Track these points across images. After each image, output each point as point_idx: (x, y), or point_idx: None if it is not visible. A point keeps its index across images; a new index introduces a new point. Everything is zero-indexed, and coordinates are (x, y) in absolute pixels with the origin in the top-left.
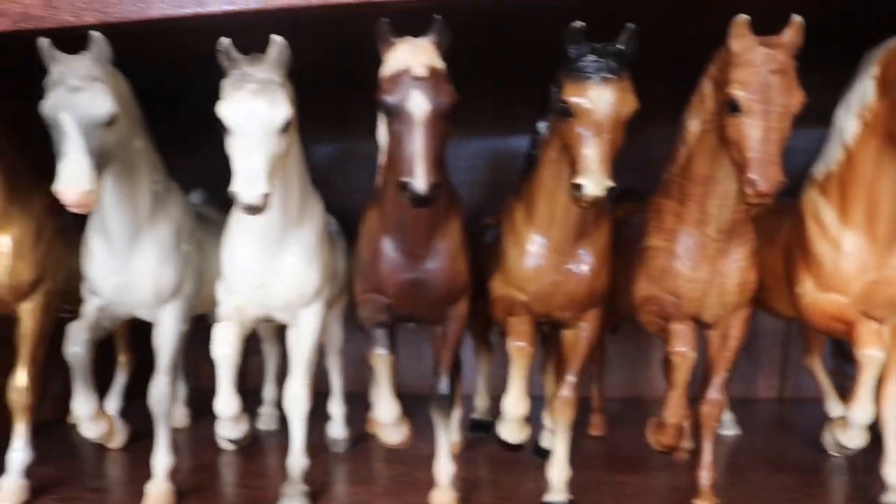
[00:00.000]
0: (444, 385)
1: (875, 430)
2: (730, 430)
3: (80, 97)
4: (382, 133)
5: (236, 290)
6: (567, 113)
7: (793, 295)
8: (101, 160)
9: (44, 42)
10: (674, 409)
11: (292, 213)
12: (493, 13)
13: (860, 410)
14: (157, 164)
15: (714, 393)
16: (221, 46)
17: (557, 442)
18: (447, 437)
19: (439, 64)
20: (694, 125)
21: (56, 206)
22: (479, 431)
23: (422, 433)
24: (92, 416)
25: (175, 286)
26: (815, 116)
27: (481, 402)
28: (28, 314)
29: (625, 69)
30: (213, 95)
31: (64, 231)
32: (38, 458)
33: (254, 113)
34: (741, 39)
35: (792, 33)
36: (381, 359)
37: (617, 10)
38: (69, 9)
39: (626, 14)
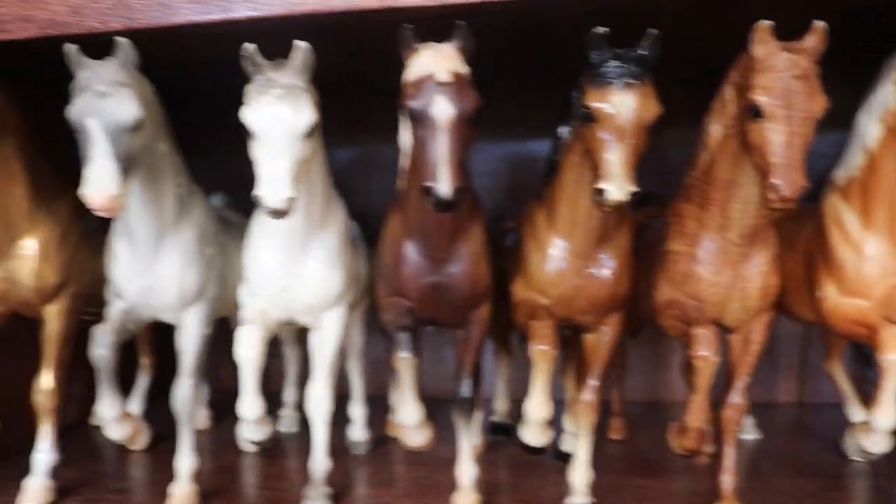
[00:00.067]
0: (466, 388)
1: None
2: (750, 434)
3: (106, 102)
4: (405, 137)
5: (260, 294)
6: (590, 118)
7: (814, 299)
8: (127, 165)
9: (71, 48)
10: (696, 413)
11: (315, 216)
12: (515, 18)
13: (884, 415)
14: (180, 168)
15: (736, 397)
16: (246, 52)
17: (580, 445)
18: (469, 440)
19: (463, 69)
20: (716, 130)
21: (81, 210)
22: (500, 434)
23: (442, 436)
24: (117, 419)
25: (198, 289)
26: (837, 120)
27: (501, 406)
28: (53, 317)
29: (647, 74)
30: (237, 100)
31: (89, 235)
32: (62, 460)
33: (278, 118)
34: (764, 45)
35: (814, 39)
36: (405, 362)
37: (638, 15)
38: (95, 15)
39: (648, 18)
